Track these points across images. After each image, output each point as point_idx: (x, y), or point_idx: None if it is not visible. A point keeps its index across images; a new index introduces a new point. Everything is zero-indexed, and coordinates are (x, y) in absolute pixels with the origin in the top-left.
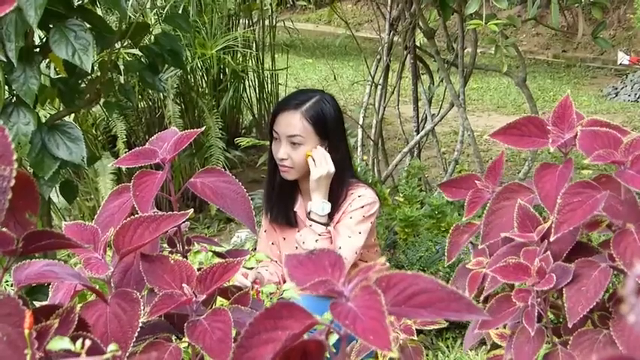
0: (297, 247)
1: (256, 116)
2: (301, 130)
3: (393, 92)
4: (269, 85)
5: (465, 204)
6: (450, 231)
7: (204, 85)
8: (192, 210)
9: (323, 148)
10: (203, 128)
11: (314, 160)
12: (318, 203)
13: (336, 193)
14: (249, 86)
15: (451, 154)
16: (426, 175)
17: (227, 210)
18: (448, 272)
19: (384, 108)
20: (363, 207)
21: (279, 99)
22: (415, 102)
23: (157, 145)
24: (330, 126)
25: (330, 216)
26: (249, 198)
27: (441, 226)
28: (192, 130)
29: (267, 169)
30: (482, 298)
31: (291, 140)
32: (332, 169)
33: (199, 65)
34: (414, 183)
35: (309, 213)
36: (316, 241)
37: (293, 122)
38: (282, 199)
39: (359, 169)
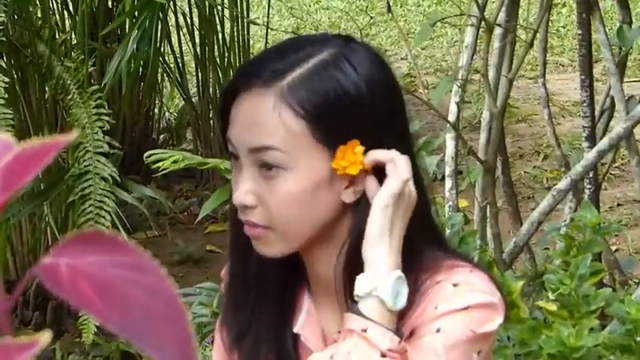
0: None
1: (195, 102)
2: (281, 138)
3: (531, 45)
4: (227, 26)
5: None
6: None
7: (69, 26)
8: (47, 334)
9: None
10: (74, 135)
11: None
12: (383, 274)
13: None
14: (181, 27)
15: None
16: (612, 245)
17: (131, 335)
18: None
19: (510, 82)
20: (466, 309)
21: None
22: (586, 68)
23: None
24: (362, 127)
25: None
26: (184, 306)
27: None
28: (44, 139)
29: (230, 231)
30: None
31: (259, 159)
32: (412, 188)
33: None
34: (583, 265)
35: (355, 301)
36: None
37: (261, 116)
38: (266, 306)
39: (448, 229)
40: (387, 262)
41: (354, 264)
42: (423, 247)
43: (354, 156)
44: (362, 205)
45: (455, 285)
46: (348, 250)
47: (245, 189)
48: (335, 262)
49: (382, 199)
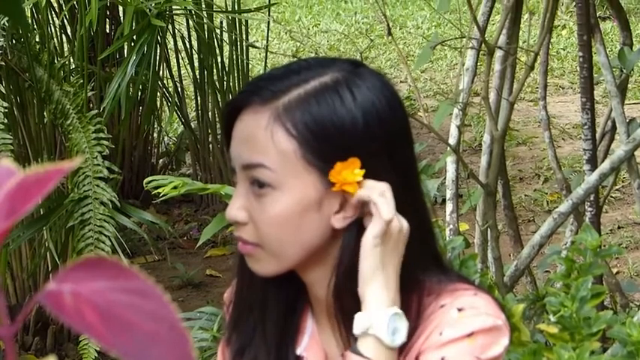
0: None
1: (194, 126)
2: (271, 157)
3: (532, 67)
4: (226, 49)
5: None
6: None
7: (67, 50)
8: (52, 359)
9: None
10: (77, 161)
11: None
12: (378, 312)
13: (400, 307)
14: (180, 51)
15: None
16: (613, 267)
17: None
18: None
19: (511, 105)
20: (471, 335)
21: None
22: (587, 90)
23: None
24: (355, 155)
25: None
26: (186, 330)
27: None
28: (44, 164)
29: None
30: None
31: (251, 176)
32: (401, 221)
33: (54, 3)
34: (584, 288)
35: (355, 341)
36: None
37: (254, 133)
38: (268, 324)
39: (450, 252)
40: (383, 300)
41: (346, 288)
42: (425, 270)
43: (352, 176)
44: (352, 231)
45: (460, 310)
46: (341, 275)
47: (237, 205)
48: (329, 285)
49: (368, 242)
